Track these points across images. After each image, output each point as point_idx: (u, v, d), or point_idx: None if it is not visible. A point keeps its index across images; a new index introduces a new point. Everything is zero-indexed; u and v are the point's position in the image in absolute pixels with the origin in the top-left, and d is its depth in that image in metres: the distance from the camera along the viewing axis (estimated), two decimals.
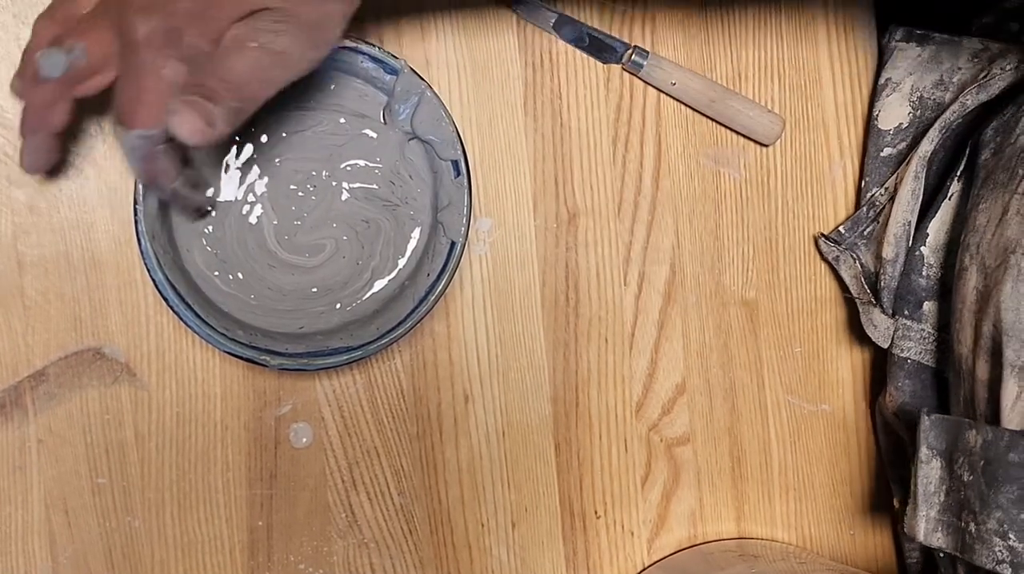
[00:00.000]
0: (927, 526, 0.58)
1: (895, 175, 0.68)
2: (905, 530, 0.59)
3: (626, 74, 0.68)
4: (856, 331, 0.72)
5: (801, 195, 0.71)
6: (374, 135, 0.62)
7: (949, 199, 0.66)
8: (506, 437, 0.68)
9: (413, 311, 0.60)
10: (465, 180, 0.60)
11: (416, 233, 0.63)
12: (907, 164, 0.66)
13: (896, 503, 0.70)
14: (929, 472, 0.58)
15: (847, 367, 0.72)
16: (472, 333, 0.67)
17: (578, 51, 0.67)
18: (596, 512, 0.69)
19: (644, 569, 0.70)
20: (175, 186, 0.55)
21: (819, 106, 0.71)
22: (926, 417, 0.58)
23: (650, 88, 0.69)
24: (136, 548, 0.63)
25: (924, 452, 0.58)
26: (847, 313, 0.72)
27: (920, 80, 0.68)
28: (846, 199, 0.71)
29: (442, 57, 0.66)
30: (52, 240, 0.62)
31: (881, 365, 0.72)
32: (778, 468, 0.72)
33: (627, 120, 0.69)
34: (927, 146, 0.64)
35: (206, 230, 0.61)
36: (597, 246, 0.68)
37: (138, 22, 0.49)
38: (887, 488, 0.73)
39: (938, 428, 0.58)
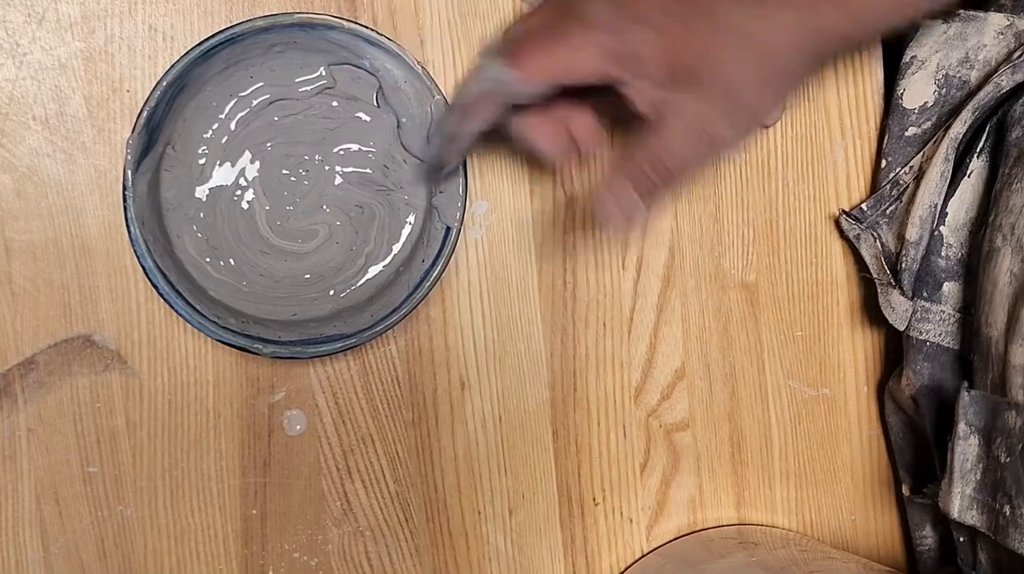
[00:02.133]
0: (962, 503, 0.57)
1: (921, 154, 0.66)
2: (940, 505, 0.58)
3: None
4: (858, 314, 0.71)
5: (802, 176, 0.70)
6: (367, 118, 0.61)
7: (968, 177, 0.64)
8: (503, 423, 0.67)
9: (408, 297, 0.59)
10: (460, 165, 0.59)
11: (411, 218, 0.62)
12: (935, 145, 0.65)
13: (906, 491, 0.69)
14: (966, 449, 0.57)
15: (848, 351, 0.71)
16: (468, 318, 0.66)
17: None
18: (594, 499, 0.68)
19: (643, 556, 0.69)
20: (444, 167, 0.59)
21: (820, 85, 0.70)
22: (966, 393, 0.57)
23: None
24: (128, 537, 0.63)
25: (962, 428, 0.57)
26: (849, 296, 0.71)
27: (945, 58, 0.66)
28: (848, 180, 0.70)
29: (436, 37, 0.64)
30: (40, 226, 0.61)
31: (887, 349, 0.72)
32: (778, 453, 0.71)
33: None
34: (959, 128, 0.63)
35: (197, 216, 0.60)
36: (595, 229, 0.67)
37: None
38: (890, 473, 0.72)
39: (978, 405, 0.57)
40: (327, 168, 0.61)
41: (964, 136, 0.63)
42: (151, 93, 0.55)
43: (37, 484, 0.62)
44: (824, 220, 0.70)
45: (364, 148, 0.62)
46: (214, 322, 0.57)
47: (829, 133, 0.70)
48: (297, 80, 0.60)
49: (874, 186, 0.70)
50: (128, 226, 0.56)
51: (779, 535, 0.69)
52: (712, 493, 0.70)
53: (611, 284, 0.68)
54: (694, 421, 0.70)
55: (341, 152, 0.61)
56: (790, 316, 0.70)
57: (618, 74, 0.51)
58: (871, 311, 0.71)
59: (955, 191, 0.65)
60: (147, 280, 0.57)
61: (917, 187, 0.65)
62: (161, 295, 0.56)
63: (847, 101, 0.70)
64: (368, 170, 0.62)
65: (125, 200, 0.56)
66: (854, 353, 0.72)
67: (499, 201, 0.66)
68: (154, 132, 0.57)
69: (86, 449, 0.62)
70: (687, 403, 0.69)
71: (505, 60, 0.51)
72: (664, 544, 0.69)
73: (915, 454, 0.69)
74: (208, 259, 0.60)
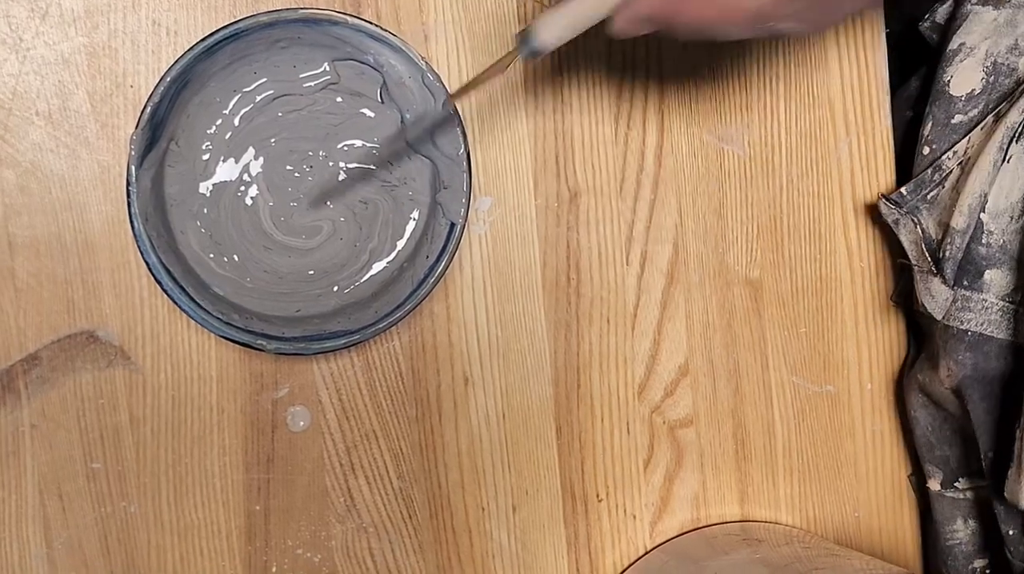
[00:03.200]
0: None
1: (966, 139, 0.65)
2: (1006, 495, 0.57)
3: (628, 50, 0.67)
4: (862, 310, 0.71)
5: (806, 173, 0.70)
6: (371, 114, 0.61)
7: (1008, 162, 0.63)
8: (506, 419, 0.67)
9: (412, 294, 0.59)
10: (464, 161, 0.59)
11: (415, 214, 0.62)
12: (985, 132, 0.63)
13: (936, 485, 0.69)
14: None
15: (852, 347, 0.71)
16: (472, 314, 0.66)
17: None
18: (598, 495, 0.68)
19: (646, 553, 0.69)
20: None
21: (825, 82, 0.70)
22: None
23: (653, 64, 0.67)
24: (132, 533, 0.63)
25: None
26: (853, 292, 0.71)
27: (994, 45, 0.65)
28: (852, 176, 0.70)
29: (440, 32, 0.64)
30: (44, 221, 0.61)
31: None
32: (782, 450, 0.71)
33: (629, 97, 0.67)
34: (1016, 117, 0.62)
35: (201, 212, 0.60)
36: (599, 225, 0.67)
37: None
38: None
39: None
40: (331, 164, 0.61)
41: (1020, 124, 0.62)
42: (155, 89, 0.55)
43: (40, 480, 0.61)
44: (828, 216, 0.70)
45: (368, 144, 0.61)
46: (218, 318, 0.57)
47: (833, 129, 0.70)
48: (301, 76, 0.60)
49: (908, 173, 0.68)
50: (132, 222, 0.55)
51: (783, 532, 0.69)
52: (716, 489, 0.70)
53: (615, 280, 0.68)
54: (698, 417, 0.69)
55: (345, 148, 0.61)
56: (794, 312, 0.70)
57: None
58: (875, 307, 0.71)
59: (995, 177, 0.64)
60: (151, 276, 0.56)
61: (961, 173, 0.64)
62: (165, 291, 0.56)
63: (851, 97, 0.70)
64: (372, 166, 0.62)
65: (129, 196, 0.55)
66: (858, 349, 0.71)
67: (503, 197, 0.66)
68: (158, 128, 0.57)
69: (89, 445, 0.62)
70: (691, 399, 0.69)
71: None
72: (667, 541, 0.69)
73: (947, 448, 0.68)
74: (212, 255, 0.60)
